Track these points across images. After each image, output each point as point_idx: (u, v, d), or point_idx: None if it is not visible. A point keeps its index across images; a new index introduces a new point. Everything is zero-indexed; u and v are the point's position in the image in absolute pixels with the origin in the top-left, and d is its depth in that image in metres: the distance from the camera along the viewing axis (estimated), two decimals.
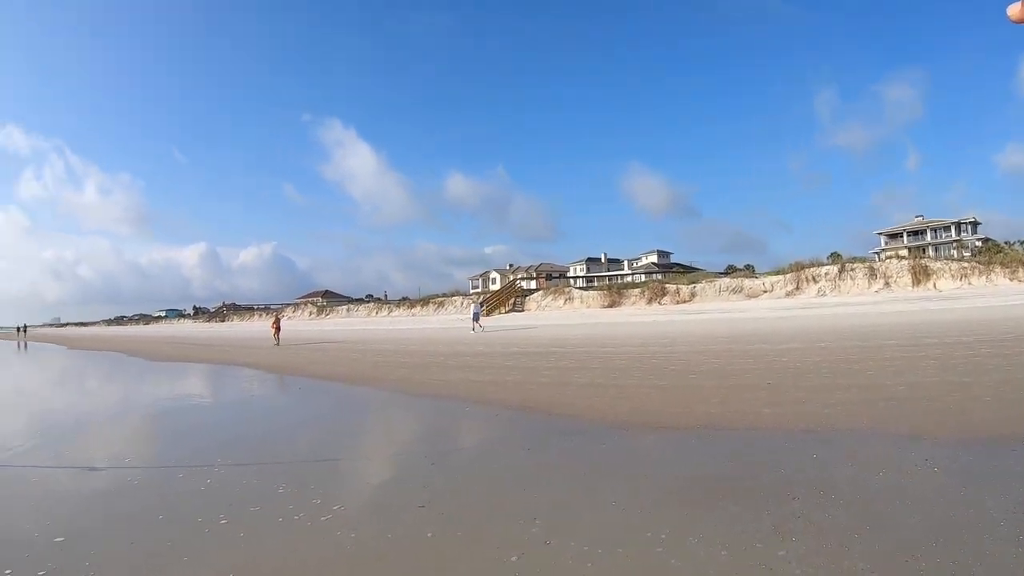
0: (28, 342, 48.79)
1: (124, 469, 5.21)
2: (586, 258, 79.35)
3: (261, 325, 51.81)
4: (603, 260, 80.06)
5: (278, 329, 25.51)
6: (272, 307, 77.73)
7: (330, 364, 14.57)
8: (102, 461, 5.56)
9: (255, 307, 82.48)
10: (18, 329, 70.82)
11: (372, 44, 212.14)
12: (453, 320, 35.73)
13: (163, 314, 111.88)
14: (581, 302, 37.23)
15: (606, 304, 35.75)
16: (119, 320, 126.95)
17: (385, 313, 46.44)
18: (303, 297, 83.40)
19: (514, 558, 2.98)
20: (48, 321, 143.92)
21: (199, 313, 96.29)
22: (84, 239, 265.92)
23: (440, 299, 48.73)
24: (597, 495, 3.86)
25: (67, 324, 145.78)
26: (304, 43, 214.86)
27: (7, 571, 3.11)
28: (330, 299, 76.27)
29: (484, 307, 36.92)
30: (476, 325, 25.71)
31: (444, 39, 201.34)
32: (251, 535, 3.44)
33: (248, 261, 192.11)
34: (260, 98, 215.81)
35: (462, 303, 45.69)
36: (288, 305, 72.57)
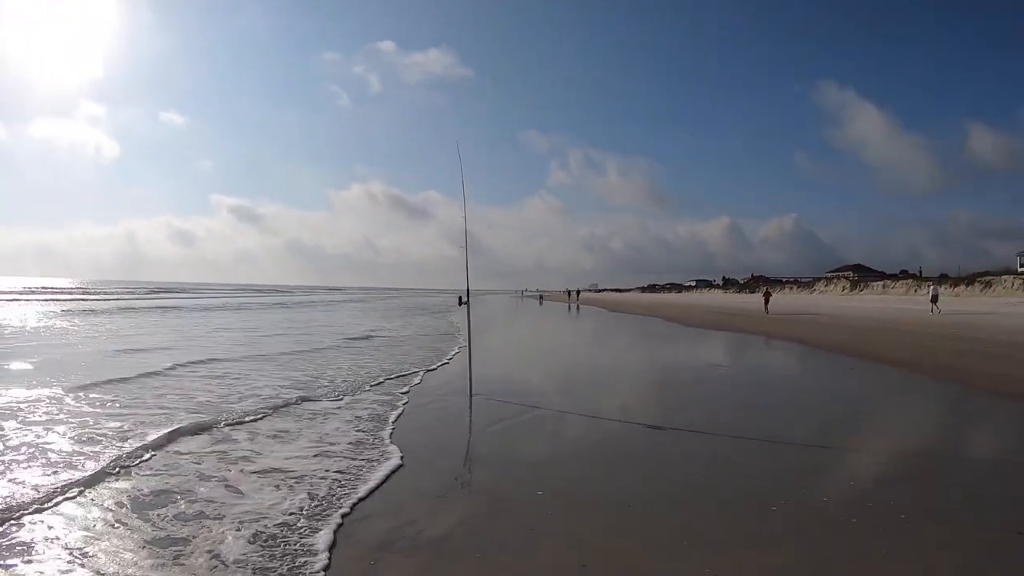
0: (580, 305, 53.55)
1: (628, 424, 6.39)
2: None
3: (793, 297, 54.06)
4: None
5: (767, 300, 31.78)
6: (802, 280, 75.65)
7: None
8: (610, 413, 6.85)
9: (783, 280, 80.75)
10: (568, 293, 71.25)
11: None
12: None
13: (693, 284, 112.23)
14: None
15: None
16: (652, 288, 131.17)
17: (924, 292, 38.36)
18: (833, 271, 74.74)
19: None
20: (587, 287, 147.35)
21: (728, 284, 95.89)
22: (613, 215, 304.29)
23: (988, 278, 43.01)
24: None
25: (603, 290, 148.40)
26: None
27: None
28: (862, 274, 68.21)
29: None
30: None
31: None
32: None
33: (770, 234, 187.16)
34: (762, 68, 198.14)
35: (1012, 283, 38.59)
36: (819, 279, 69.51)
